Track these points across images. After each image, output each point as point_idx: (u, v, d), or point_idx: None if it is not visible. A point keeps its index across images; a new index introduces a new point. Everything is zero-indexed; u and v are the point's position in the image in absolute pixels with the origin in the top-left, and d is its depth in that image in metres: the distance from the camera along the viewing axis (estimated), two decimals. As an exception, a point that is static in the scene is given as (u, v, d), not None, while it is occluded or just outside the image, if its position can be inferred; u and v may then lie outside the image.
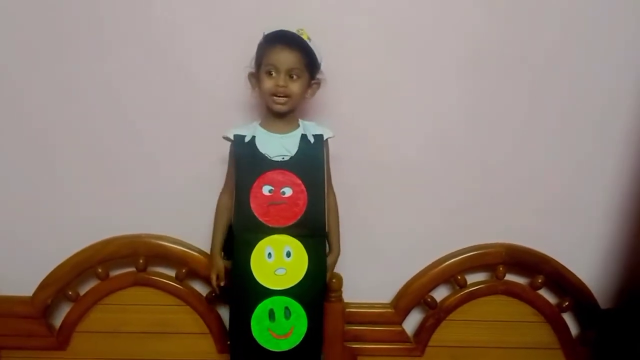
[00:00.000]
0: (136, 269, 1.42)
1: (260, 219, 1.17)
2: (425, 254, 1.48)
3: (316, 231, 1.21)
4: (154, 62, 1.34)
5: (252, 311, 1.19)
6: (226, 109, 1.36)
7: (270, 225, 1.18)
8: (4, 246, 1.45)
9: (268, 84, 1.14)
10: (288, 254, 1.19)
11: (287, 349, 1.21)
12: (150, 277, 1.43)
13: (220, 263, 1.27)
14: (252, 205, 1.17)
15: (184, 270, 1.43)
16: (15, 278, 1.43)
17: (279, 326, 1.20)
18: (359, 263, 1.47)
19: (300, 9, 1.31)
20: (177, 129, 1.39)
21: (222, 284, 1.27)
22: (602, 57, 1.37)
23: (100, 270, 1.41)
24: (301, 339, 1.21)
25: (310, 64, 1.16)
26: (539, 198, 1.47)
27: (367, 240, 1.47)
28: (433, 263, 1.48)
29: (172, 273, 1.46)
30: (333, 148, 1.30)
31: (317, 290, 1.23)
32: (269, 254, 1.18)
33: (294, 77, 1.14)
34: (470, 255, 1.46)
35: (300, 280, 1.19)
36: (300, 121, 1.24)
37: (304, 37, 1.13)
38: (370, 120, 1.39)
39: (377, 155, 1.42)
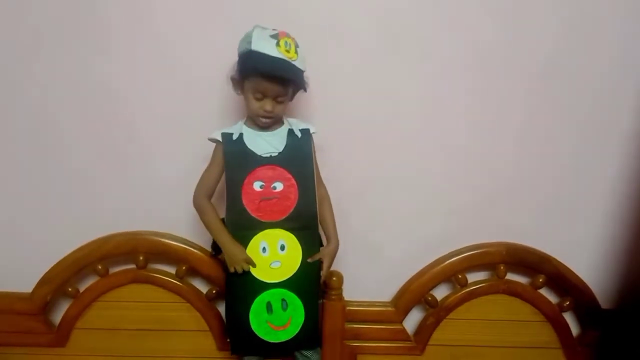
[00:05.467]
0: (136, 266, 1.42)
1: (253, 215, 1.18)
2: (426, 252, 1.48)
3: (308, 223, 1.22)
4: (153, 61, 1.34)
5: (250, 305, 1.21)
6: (225, 107, 1.35)
7: (263, 220, 1.18)
8: (3, 242, 1.45)
9: (255, 105, 1.14)
10: (282, 247, 1.20)
11: (286, 339, 1.23)
12: (150, 274, 1.43)
13: (243, 250, 1.19)
14: (244, 202, 1.17)
15: (184, 268, 1.43)
16: (15, 274, 1.42)
17: (277, 318, 1.22)
18: (360, 261, 1.47)
19: (300, 9, 1.30)
20: (177, 126, 1.38)
21: (254, 266, 1.20)
22: (602, 58, 1.37)
23: (100, 267, 1.41)
24: (299, 328, 1.24)
25: (296, 87, 1.16)
26: (540, 197, 1.46)
27: (368, 238, 1.47)
28: (434, 262, 1.47)
29: (172, 270, 1.45)
30: (336, 148, 1.30)
31: (312, 280, 1.24)
32: (264, 248, 1.19)
33: (280, 99, 1.14)
34: (471, 254, 1.45)
35: (296, 272, 1.21)
36: (284, 118, 1.24)
37: (292, 49, 1.09)
38: (371, 120, 1.39)
39: (378, 155, 1.42)
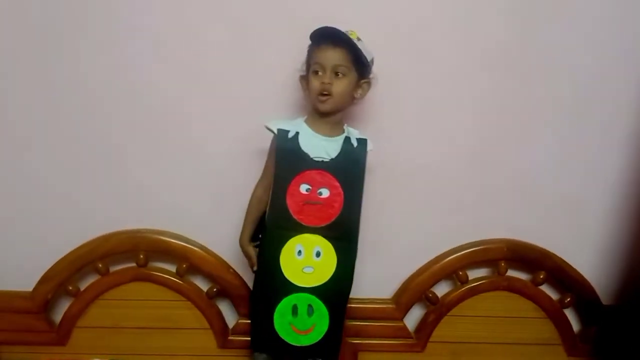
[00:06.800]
0: (137, 264, 1.42)
1: (295, 217, 1.17)
2: (427, 249, 1.48)
3: (348, 235, 1.21)
4: (154, 57, 1.33)
5: (276, 304, 1.20)
6: (226, 104, 1.36)
7: (303, 224, 1.17)
8: (4, 241, 1.44)
9: (315, 82, 1.13)
10: (318, 254, 1.19)
11: (306, 344, 1.22)
12: (151, 272, 1.43)
13: (251, 250, 1.25)
14: (288, 202, 1.16)
15: (184, 266, 1.42)
16: (16, 273, 1.42)
17: (300, 322, 1.21)
18: (361, 258, 1.44)
19: (300, 9, 1.30)
20: (177, 126, 1.38)
21: (254, 269, 1.25)
22: (606, 58, 1.37)
23: (100, 265, 1.40)
24: (321, 337, 1.22)
25: (357, 62, 1.14)
26: (541, 194, 1.46)
27: (369, 235, 1.45)
28: (435, 259, 1.47)
29: (172, 268, 1.45)
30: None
31: (343, 292, 1.23)
32: (299, 251, 1.18)
33: (340, 75, 1.13)
34: (472, 250, 1.46)
35: (327, 281, 1.20)
36: (346, 127, 1.23)
37: (354, 34, 1.13)
38: (372, 118, 1.38)
39: (380, 153, 1.40)
